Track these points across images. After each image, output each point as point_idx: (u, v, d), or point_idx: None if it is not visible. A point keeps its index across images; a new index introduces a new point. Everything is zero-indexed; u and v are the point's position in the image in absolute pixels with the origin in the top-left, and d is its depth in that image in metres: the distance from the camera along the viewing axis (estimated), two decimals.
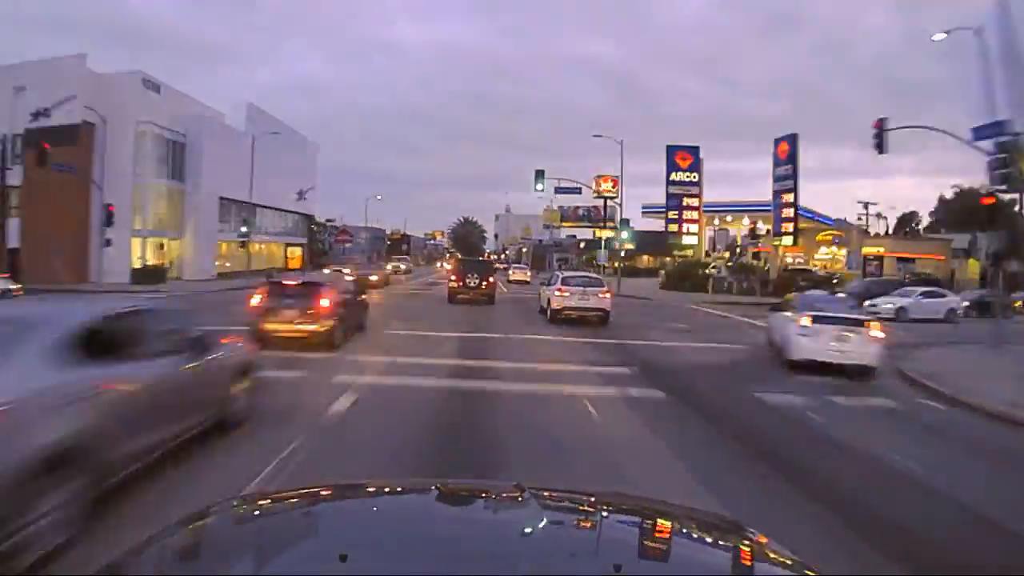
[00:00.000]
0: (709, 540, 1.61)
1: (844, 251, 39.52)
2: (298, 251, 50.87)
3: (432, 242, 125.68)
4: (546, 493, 1.82)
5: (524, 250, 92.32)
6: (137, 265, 31.33)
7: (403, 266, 53.00)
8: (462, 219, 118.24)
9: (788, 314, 11.58)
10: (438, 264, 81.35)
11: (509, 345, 12.64)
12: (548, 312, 17.55)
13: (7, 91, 26.51)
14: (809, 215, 41.78)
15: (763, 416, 7.83)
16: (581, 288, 17.21)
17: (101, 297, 8.44)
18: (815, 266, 40.92)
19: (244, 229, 35.11)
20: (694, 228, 42.98)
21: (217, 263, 37.70)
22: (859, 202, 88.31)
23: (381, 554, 1.27)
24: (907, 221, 71.46)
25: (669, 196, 42.16)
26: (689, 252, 44.41)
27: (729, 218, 46.35)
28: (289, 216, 48.52)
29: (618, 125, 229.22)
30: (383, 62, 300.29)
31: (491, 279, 23.01)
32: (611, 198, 43.42)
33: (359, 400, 7.32)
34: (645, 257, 59.71)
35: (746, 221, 41.39)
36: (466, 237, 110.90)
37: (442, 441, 6.07)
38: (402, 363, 9.91)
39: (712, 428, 7.24)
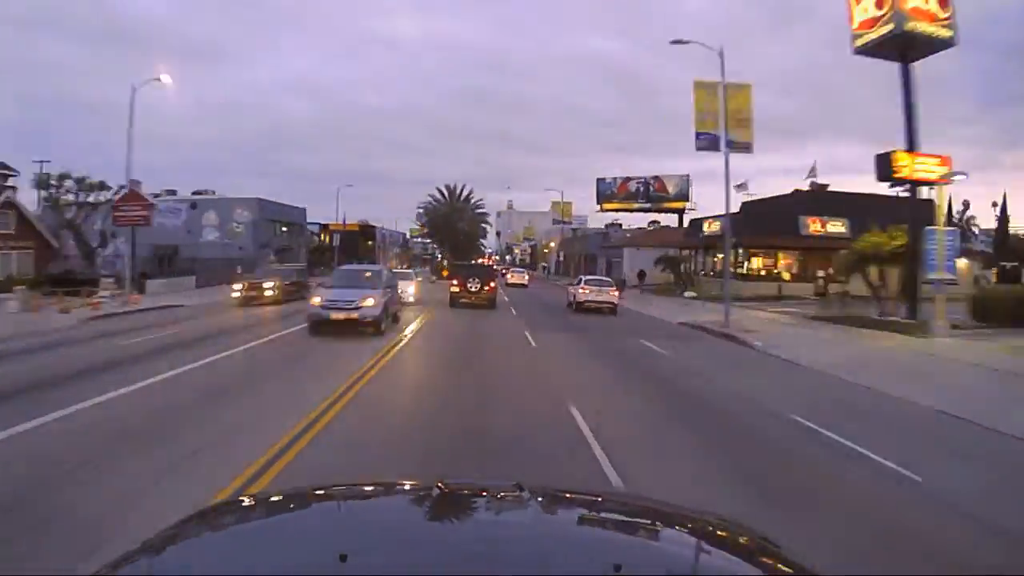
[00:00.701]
0: (709, 540, 1.59)
1: None
2: None
3: (417, 241, 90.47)
4: (546, 493, 1.79)
5: (552, 245, 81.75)
6: None
7: (270, 284, 24.56)
8: (443, 190, 71.09)
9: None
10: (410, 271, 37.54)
11: None
12: (574, 304, 24.68)
13: None
14: None
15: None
16: (597, 287, 24.58)
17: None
18: None
19: None
20: None
21: None
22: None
23: (381, 554, 1.27)
24: None
25: None
26: None
27: None
28: None
29: (620, 123, 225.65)
30: (380, 58, 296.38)
31: (492, 284, 24.06)
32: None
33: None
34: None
35: None
36: (450, 223, 67.64)
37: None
38: None
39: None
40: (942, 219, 18.48)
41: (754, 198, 38.50)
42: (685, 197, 60.96)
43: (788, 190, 42.67)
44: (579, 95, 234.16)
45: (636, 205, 63.67)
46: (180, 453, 5.77)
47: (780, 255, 37.59)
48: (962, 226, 46.43)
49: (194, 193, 51.39)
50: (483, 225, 75.63)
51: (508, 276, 46.88)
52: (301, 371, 10.39)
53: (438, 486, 1.69)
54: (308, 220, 59.96)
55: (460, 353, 12.94)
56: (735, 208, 29.36)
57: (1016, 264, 37.47)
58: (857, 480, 5.92)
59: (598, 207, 66.01)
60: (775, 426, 7.89)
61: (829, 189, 40.59)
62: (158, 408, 7.60)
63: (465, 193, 71.27)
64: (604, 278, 28.44)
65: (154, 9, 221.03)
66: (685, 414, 8.41)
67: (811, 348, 15.11)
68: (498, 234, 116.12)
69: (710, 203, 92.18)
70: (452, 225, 67.62)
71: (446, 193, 70.99)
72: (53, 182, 31.89)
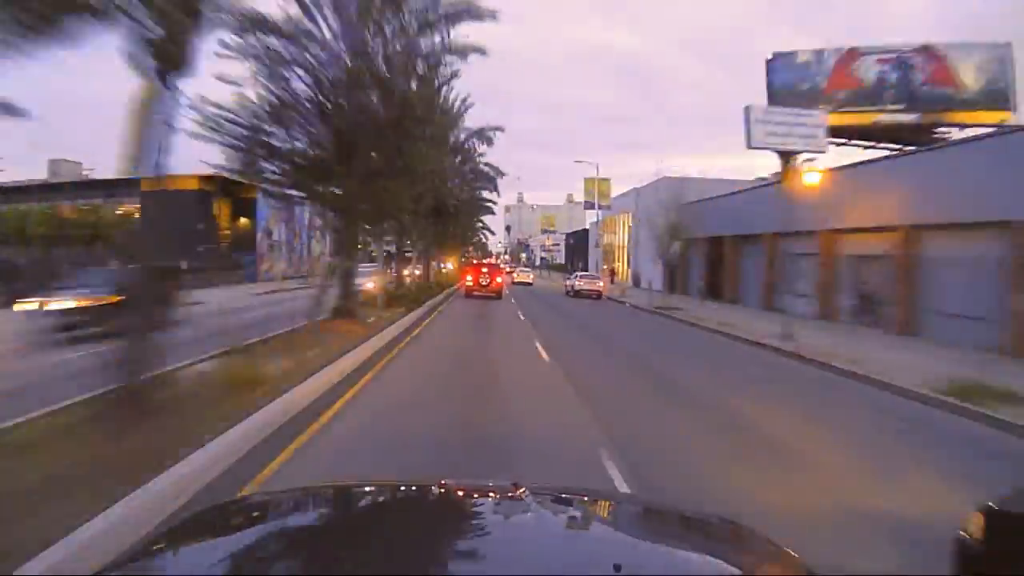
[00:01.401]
0: (709, 540, 1.63)
1: None
2: None
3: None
4: (546, 492, 1.83)
5: (624, 226, 50.23)
6: None
7: None
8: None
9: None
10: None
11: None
12: (572, 292, 33.30)
13: None
14: None
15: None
16: (588, 279, 34.06)
17: None
18: None
19: None
20: None
21: None
22: None
23: (381, 554, 1.27)
24: None
25: None
26: None
27: None
28: None
29: (625, 120, 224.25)
30: None
31: (499, 280, 29.31)
32: None
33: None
34: None
35: None
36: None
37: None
38: None
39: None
40: None
41: None
42: (1002, 97, 25.37)
43: None
44: (584, 90, 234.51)
45: (879, 118, 26.89)
46: None
47: None
48: None
49: None
50: (484, 232, 61.39)
51: (516, 275, 49.57)
52: None
53: (438, 486, 1.80)
54: None
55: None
56: None
57: None
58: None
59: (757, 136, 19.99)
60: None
61: None
62: None
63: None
64: (594, 273, 38.48)
65: None
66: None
67: None
68: (507, 229, 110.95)
69: None
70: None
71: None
72: None
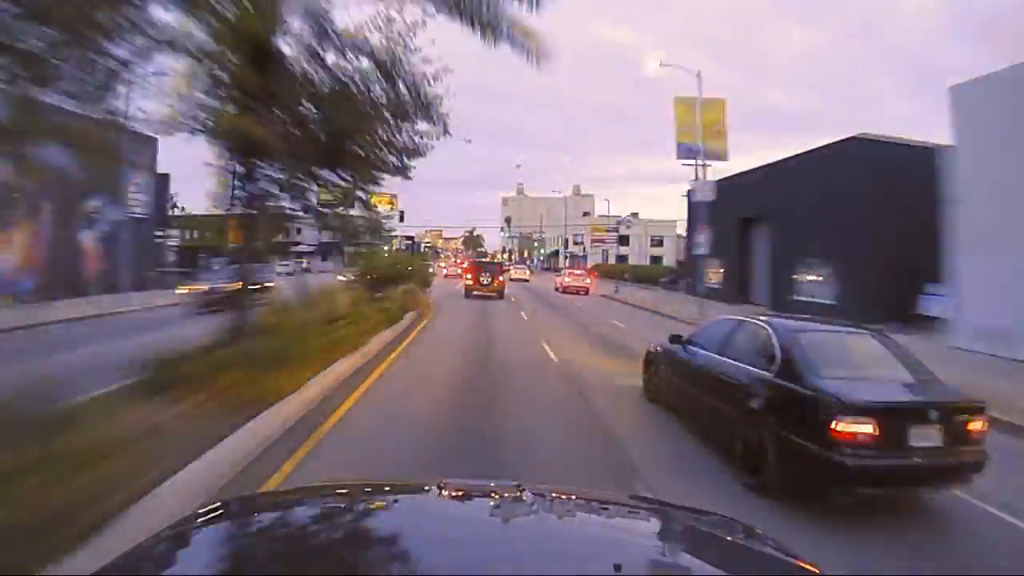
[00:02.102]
0: (710, 539, 1.61)
1: None
2: None
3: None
4: (546, 492, 1.80)
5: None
6: None
7: None
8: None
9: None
10: None
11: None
12: (560, 288, 36.51)
13: None
14: None
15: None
16: (577, 275, 38.19)
17: None
18: None
19: None
20: None
21: None
22: None
23: (381, 554, 1.28)
24: None
25: None
26: None
27: None
28: None
29: (630, 119, 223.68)
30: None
31: (501, 278, 28.15)
32: None
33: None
34: None
35: None
36: None
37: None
38: None
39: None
40: None
41: None
42: None
43: None
44: (587, 88, 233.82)
45: None
46: None
47: None
48: None
49: None
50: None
51: (512, 272, 50.09)
52: None
53: (438, 485, 1.77)
54: None
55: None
56: None
57: None
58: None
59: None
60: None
61: None
62: None
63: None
64: (579, 271, 42.74)
65: None
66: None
67: None
68: (507, 221, 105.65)
69: None
70: None
71: None
72: None
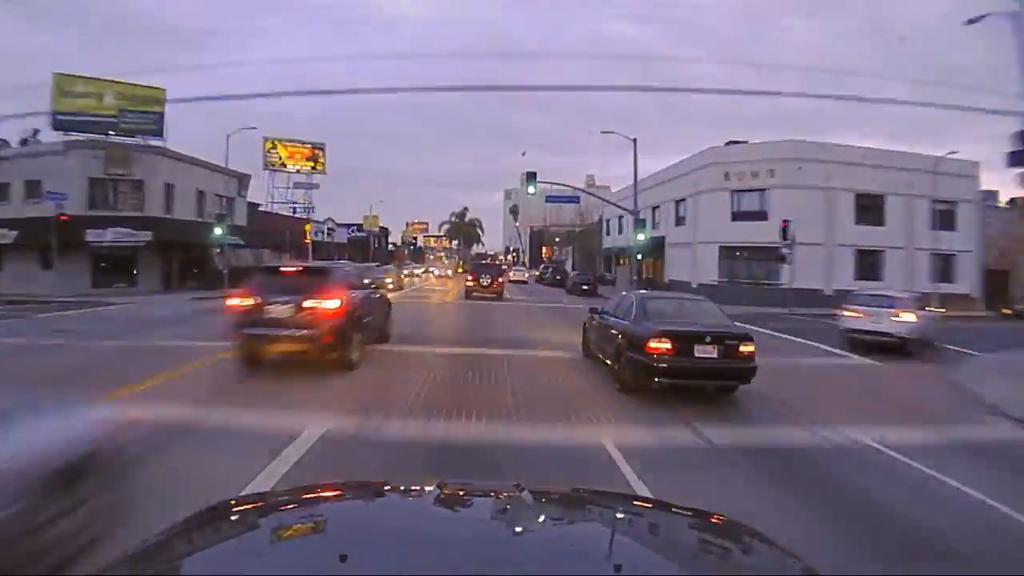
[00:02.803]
0: (710, 540, 1.64)
1: None
2: None
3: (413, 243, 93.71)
4: (546, 493, 1.86)
5: None
6: None
7: None
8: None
9: None
10: None
11: None
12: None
13: None
14: None
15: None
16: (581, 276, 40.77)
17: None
18: None
19: None
20: None
21: None
22: None
23: (381, 554, 1.30)
24: None
25: None
26: None
27: None
28: None
29: (635, 117, 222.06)
30: (383, 48, 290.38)
31: (500, 280, 28.95)
32: None
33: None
34: None
35: None
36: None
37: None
38: None
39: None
40: None
41: None
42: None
43: None
44: (590, 81, 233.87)
45: None
46: None
47: None
48: None
49: None
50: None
51: (511, 274, 50.79)
52: None
53: (438, 486, 1.77)
54: None
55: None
56: None
57: None
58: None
59: None
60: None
61: None
62: None
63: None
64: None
65: None
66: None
67: None
68: (514, 211, 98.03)
69: None
70: None
71: None
72: None
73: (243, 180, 40.05)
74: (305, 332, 8.66)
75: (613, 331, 9.47)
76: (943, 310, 22.29)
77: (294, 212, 51.60)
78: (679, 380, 8.11)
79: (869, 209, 32.03)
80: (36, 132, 33.92)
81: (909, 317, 14.13)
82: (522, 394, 8.28)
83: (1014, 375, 10.80)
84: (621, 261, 43.62)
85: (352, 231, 63.78)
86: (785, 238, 26.40)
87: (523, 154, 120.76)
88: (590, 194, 45.43)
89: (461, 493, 1.85)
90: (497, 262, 48.93)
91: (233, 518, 1.64)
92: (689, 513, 1.76)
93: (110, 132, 30.17)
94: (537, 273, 51.13)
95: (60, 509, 2.90)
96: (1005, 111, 16.69)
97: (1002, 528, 4.62)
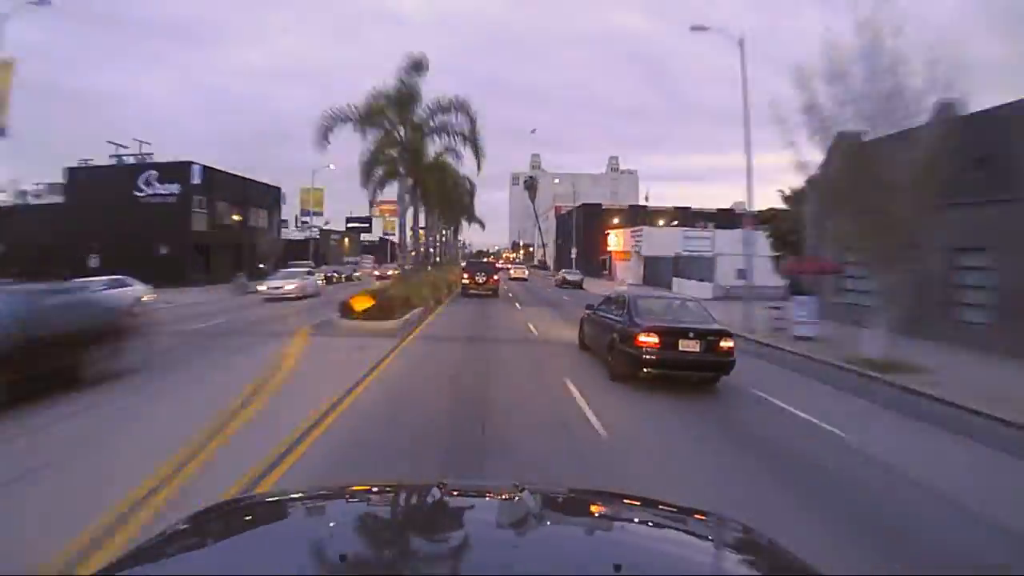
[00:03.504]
0: (710, 539, 1.66)
1: None
2: None
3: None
4: (546, 493, 1.86)
5: None
6: None
7: None
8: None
9: None
10: None
11: None
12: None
13: None
14: None
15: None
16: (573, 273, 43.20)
17: None
18: None
19: None
20: None
21: None
22: None
23: (381, 554, 1.31)
24: None
25: None
26: None
27: None
28: None
29: (640, 114, 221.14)
30: (382, 42, 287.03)
31: (495, 277, 30.61)
32: None
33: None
34: None
35: None
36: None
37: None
38: None
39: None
40: None
41: None
42: None
43: None
44: (597, 82, 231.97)
45: None
46: None
47: None
48: None
49: None
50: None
51: (511, 271, 51.99)
52: None
53: (438, 486, 1.76)
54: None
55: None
56: None
57: None
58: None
59: None
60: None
61: None
62: None
63: None
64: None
65: None
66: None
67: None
68: (529, 185, 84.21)
69: None
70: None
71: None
72: None
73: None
74: None
75: (607, 325, 10.49)
76: None
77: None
78: (665, 371, 9.12)
79: None
80: None
81: None
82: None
83: None
84: None
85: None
86: None
87: (533, 131, 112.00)
88: None
89: (461, 493, 1.87)
90: (492, 261, 48.72)
91: (233, 518, 1.64)
92: (689, 513, 1.78)
93: None
94: (562, 275, 43.15)
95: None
96: None
97: None
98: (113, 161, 41.09)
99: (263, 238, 44.53)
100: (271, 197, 49.28)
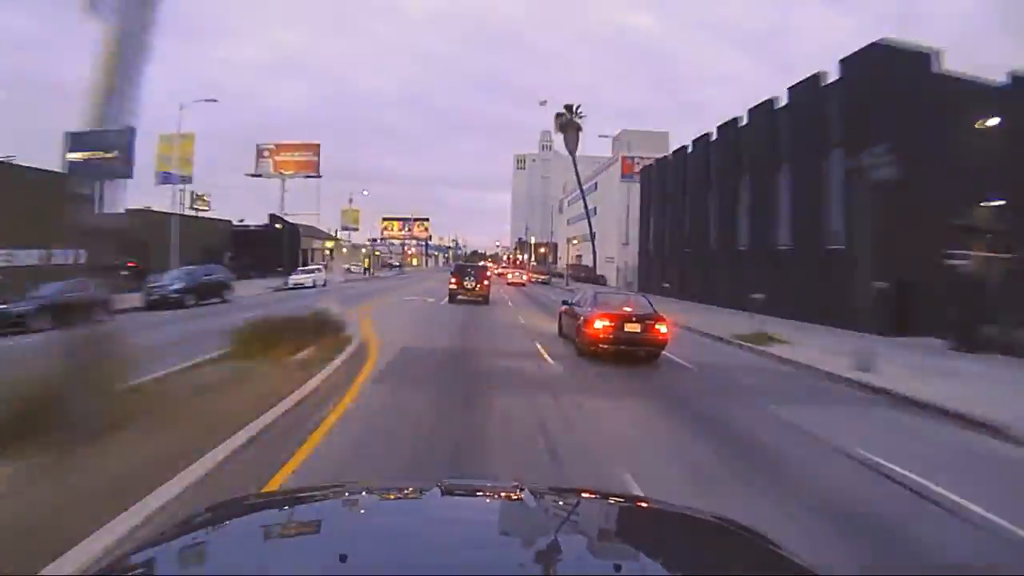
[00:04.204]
0: (710, 539, 1.66)
1: None
2: None
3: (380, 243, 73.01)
4: (546, 492, 1.86)
5: None
6: None
7: None
8: None
9: None
10: None
11: None
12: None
13: None
14: None
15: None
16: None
17: None
18: None
19: None
20: None
21: None
22: None
23: (381, 554, 1.31)
24: None
25: None
26: None
27: None
28: None
29: (645, 113, 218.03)
30: (381, 37, 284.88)
31: (485, 282, 26.76)
32: None
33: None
34: None
35: None
36: None
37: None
38: None
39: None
40: None
41: None
42: None
43: None
44: (599, 80, 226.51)
45: None
46: None
47: None
48: None
49: None
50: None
51: (509, 276, 50.30)
52: None
53: (438, 486, 1.78)
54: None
55: None
56: None
57: None
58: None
59: None
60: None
61: None
62: None
63: None
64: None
65: None
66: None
67: None
68: (565, 126, 57.75)
69: None
70: None
71: None
72: None
73: None
74: None
75: (575, 315, 13.93)
76: None
77: None
78: (614, 347, 12.51)
79: None
80: None
81: None
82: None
83: None
84: None
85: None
86: None
87: (543, 103, 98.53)
88: None
89: (461, 493, 1.88)
90: (482, 264, 46.38)
91: (233, 518, 1.63)
92: (689, 513, 1.80)
93: None
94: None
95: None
96: None
97: None
98: None
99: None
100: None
